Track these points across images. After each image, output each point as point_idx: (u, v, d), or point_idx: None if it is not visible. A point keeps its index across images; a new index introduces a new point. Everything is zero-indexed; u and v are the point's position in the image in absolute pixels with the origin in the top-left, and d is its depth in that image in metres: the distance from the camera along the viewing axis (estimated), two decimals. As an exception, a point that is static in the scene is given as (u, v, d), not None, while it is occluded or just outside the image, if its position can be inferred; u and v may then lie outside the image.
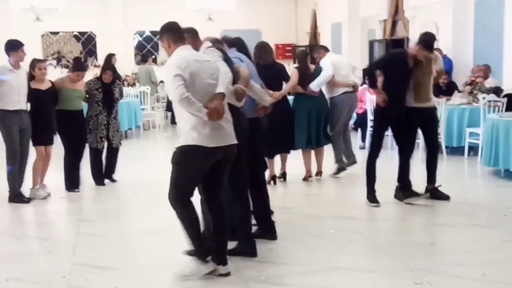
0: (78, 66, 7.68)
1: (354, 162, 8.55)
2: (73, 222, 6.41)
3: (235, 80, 4.74)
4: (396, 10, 15.38)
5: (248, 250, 4.99)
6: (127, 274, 4.78)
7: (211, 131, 4.37)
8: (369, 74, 6.83)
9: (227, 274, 4.60)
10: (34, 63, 7.21)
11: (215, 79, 4.46)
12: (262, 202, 5.47)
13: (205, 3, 17.42)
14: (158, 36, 21.58)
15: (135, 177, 8.54)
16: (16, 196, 7.05)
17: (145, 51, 21.67)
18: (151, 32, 21.75)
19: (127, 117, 12.55)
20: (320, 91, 8.14)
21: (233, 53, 5.36)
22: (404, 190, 6.82)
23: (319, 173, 8.32)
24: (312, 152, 8.20)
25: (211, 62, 4.56)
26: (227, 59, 4.81)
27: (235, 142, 4.57)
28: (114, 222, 6.51)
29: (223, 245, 4.66)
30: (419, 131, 7.08)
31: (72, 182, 7.63)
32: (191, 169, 4.45)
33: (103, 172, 8.06)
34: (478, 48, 12.09)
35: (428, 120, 6.82)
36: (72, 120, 7.47)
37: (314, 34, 20.76)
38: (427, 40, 6.56)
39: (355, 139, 10.99)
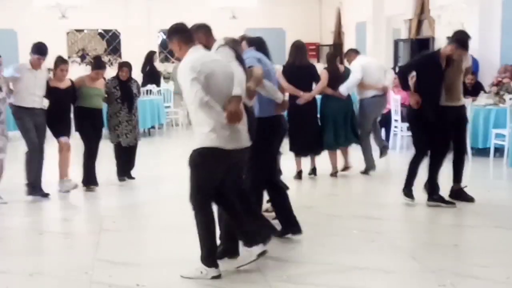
0: (98, 64, 7.76)
1: (387, 148, 8.64)
2: (96, 218, 6.46)
3: (246, 80, 4.70)
4: (422, 9, 15.24)
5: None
6: (149, 270, 4.79)
7: (229, 133, 4.37)
8: (402, 76, 6.71)
9: (264, 252, 4.62)
10: (58, 63, 7.30)
11: (229, 80, 4.43)
12: (281, 200, 5.46)
13: (229, 1, 17.46)
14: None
15: (156, 173, 8.58)
16: (34, 189, 7.08)
17: (169, 49, 21.77)
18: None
19: (150, 115, 12.61)
20: (349, 94, 8.20)
21: (250, 52, 5.36)
22: (431, 192, 6.71)
23: (346, 168, 8.32)
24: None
25: (225, 63, 4.53)
26: (239, 58, 4.77)
27: (249, 144, 4.58)
28: (136, 218, 6.54)
29: (247, 229, 4.65)
30: None
31: (89, 178, 7.63)
32: (210, 171, 4.44)
33: (121, 172, 8.04)
34: (505, 48, 11.93)
35: (460, 119, 6.76)
36: (91, 118, 7.54)
37: (339, 33, 20.66)
38: (463, 40, 6.48)
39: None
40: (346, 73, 8.21)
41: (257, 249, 4.60)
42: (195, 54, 4.43)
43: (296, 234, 5.41)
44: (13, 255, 5.25)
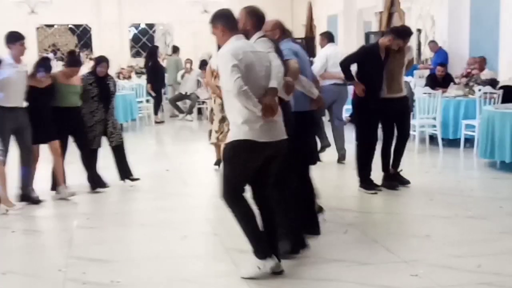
0: (73, 61, 7.24)
1: (343, 159, 8.64)
2: (69, 216, 6.41)
3: (285, 73, 4.56)
4: (392, 2, 15.37)
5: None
6: (123, 266, 4.78)
7: (263, 125, 4.22)
8: (344, 68, 6.95)
9: (280, 272, 4.44)
10: (38, 66, 6.79)
11: (268, 72, 4.33)
12: (308, 197, 5.33)
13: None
14: (153, 29, 21.61)
15: (133, 170, 8.53)
16: (24, 195, 6.76)
17: (141, 44, 21.65)
18: (146, 24, 21.72)
19: (122, 111, 12.51)
20: None
21: (287, 43, 5.22)
22: (390, 180, 6.98)
23: None
24: None
25: (265, 54, 4.41)
26: (277, 51, 4.67)
27: (286, 137, 4.43)
28: (110, 215, 6.51)
29: (273, 241, 4.47)
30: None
31: (92, 181, 7.27)
32: (243, 164, 4.29)
33: (121, 174, 7.57)
34: (474, 40, 12.10)
35: (402, 110, 7.00)
36: (70, 118, 7.03)
37: (310, 26, 20.73)
38: (398, 30, 6.89)
39: (352, 131, 10.99)
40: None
41: (272, 263, 4.40)
42: (238, 42, 4.32)
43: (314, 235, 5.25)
44: (-14, 254, 5.19)
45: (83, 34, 20.90)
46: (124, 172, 7.55)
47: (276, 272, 4.41)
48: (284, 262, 4.57)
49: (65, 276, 4.55)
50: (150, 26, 21.77)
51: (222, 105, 7.90)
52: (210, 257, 5.11)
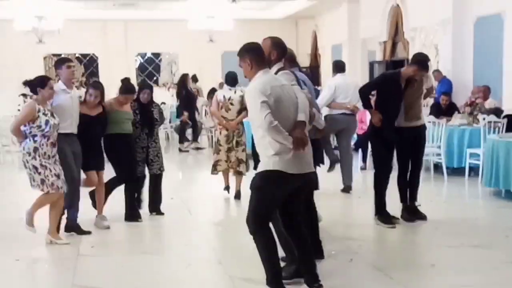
0: (128, 88, 7.09)
1: (350, 189, 8.57)
2: (73, 243, 6.39)
3: None
4: (396, 32, 15.46)
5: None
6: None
7: (293, 157, 4.34)
8: (363, 95, 6.86)
9: None
10: (88, 88, 6.83)
11: (295, 105, 4.45)
12: (313, 222, 5.43)
13: (206, 25, 17.55)
14: (159, 58, 21.78)
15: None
16: (74, 227, 6.63)
17: (147, 73, 21.81)
18: (152, 53, 21.90)
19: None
20: None
21: (297, 74, 5.28)
22: (408, 212, 6.82)
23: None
24: None
25: (290, 87, 4.54)
26: (299, 83, 4.83)
27: (313, 170, 4.59)
28: (115, 243, 6.49)
29: (311, 267, 4.62)
30: None
31: (131, 212, 7.16)
32: (271, 194, 4.43)
33: (150, 204, 7.47)
34: (478, 69, 12.13)
35: (418, 139, 6.88)
36: (124, 144, 6.94)
37: (315, 55, 20.87)
38: (423, 61, 6.70)
39: (356, 160, 11.01)
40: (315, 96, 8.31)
41: None
42: (266, 77, 4.44)
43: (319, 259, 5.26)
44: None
45: (90, 63, 21.09)
46: (155, 204, 7.47)
47: None
48: (288, 291, 4.58)
49: (69, 304, 4.54)
50: (156, 55, 21.95)
51: (227, 136, 8.01)
52: (215, 285, 5.09)
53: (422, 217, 6.87)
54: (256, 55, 4.49)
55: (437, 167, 9.74)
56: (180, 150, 14.38)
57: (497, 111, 9.99)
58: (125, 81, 7.20)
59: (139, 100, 7.26)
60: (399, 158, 6.89)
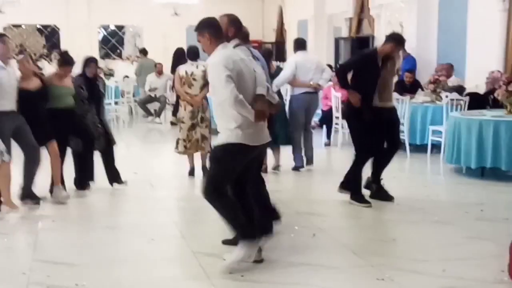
0: (67, 60, 6.97)
1: (311, 162, 8.59)
2: (34, 218, 6.31)
3: None
4: (362, 8, 15.49)
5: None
6: (88, 269, 4.72)
7: (254, 130, 4.49)
8: (341, 75, 6.73)
9: (261, 260, 4.70)
10: (17, 60, 6.66)
11: (253, 79, 4.56)
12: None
13: (171, -3, 17.34)
14: (123, 31, 21.46)
15: (97, 172, 8.41)
16: (27, 195, 6.58)
17: (110, 45, 21.48)
18: (116, 26, 21.57)
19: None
20: (279, 92, 8.22)
21: (251, 50, 5.32)
22: (376, 190, 6.83)
23: (277, 167, 8.36)
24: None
25: (249, 61, 4.66)
26: (254, 58, 4.95)
27: (269, 139, 4.73)
28: (76, 217, 6.43)
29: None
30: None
31: (80, 183, 7.24)
32: (232, 165, 4.54)
33: (109, 177, 7.45)
34: (442, 47, 12.25)
35: (393, 119, 6.82)
36: (66, 119, 6.85)
37: (281, 31, 20.80)
38: (399, 38, 6.65)
39: (320, 136, 11.06)
40: (277, 72, 8.30)
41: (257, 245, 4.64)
42: (226, 51, 4.52)
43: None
44: None
45: (51, 35, 20.65)
46: (113, 175, 7.45)
47: (257, 261, 4.66)
48: (253, 265, 4.61)
49: (28, 279, 4.47)
50: (120, 27, 21.62)
51: (192, 112, 7.92)
52: (178, 260, 5.07)
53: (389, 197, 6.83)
54: (215, 30, 4.59)
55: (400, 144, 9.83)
56: (172, 123, 14.01)
57: (460, 89, 10.11)
58: (64, 54, 7.19)
59: (85, 75, 7.20)
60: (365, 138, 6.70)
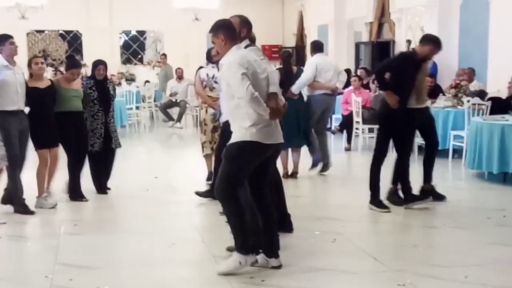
0: (73, 63, 7.22)
1: (327, 168, 8.56)
2: (57, 222, 6.38)
3: None
4: (382, 13, 15.45)
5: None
6: (110, 273, 4.76)
7: (268, 128, 4.54)
8: (379, 76, 6.66)
9: (279, 266, 4.69)
10: (31, 60, 6.82)
11: (267, 78, 4.65)
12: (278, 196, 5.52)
13: (192, 3, 17.42)
14: (144, 36, 21.61)
15: (120, 177, 8.47)
16: (20, 206, 6.56)
17: (131, 50, 21.62)
18: (137, 31, 21.71)
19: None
20: (300, 93, 8.26)
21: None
22: (404, 194, 6.75)
23: (294, 173, 8.36)
24: (289, 151, 8.27)
25: (262, 62, 4.75)
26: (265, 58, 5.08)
27: (283, 140, 4.76)
28: (98, 221, 6.48)
29: (273, 238, 4.76)
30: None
31: (74, 191, 7.14)
32: (246, 164, 4.58)
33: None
34: (463, 52, 12.18)
35: (429, 120, 6.88)
36: (72, 123, 6.95)
37: (301, 35, 20.80)
38: (437, 40, 6.59)
39: (341, 141, 11.04)
40: (298, 74, 8.31)
41: (253, 259, 4.65)
42: (240, 51, 4.62)
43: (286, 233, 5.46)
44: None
45: (73, 40, 20.85)
46: (104, 180, 7.53)
47: (275, 267, 4.67)
48: (274, 270, 4.65)
49: (51, 282, 4.52)
50: (141, 33, 21.76)
51: (214, 114, 7.93)
52: (198, 264, 5.09)
53: (442, 197, 6.86)
54: (229, 31, 4.66)
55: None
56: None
57: (481, 94, 10.03)
58: (71, 58, 7.32)
59: (94, 77, 7.33)
60: (405, 141, 6.68)
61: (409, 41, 14.00)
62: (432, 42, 6.53)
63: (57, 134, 6.84)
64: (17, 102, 6.45)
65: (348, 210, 6.74)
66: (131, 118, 14.32)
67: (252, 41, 5.59)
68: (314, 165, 8.52)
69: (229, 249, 4.95)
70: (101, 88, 7.34)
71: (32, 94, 6.61)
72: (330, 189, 8.07)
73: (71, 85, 7.01)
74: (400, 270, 4.71)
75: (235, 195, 4.57)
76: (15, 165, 6.42)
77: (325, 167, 8.57)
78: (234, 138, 4.57)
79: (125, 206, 7.14)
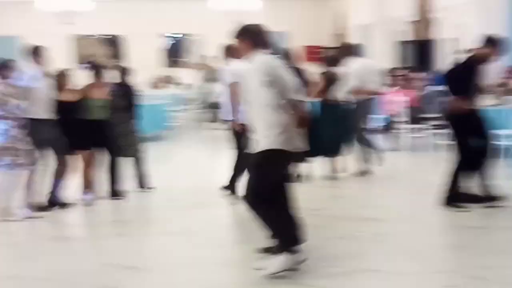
0: (98, 71, 7.43)
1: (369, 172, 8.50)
2: (101, 223, 6.49)
3: None
4: (424, 12, 15.26)
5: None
6: (155, 274, 4.82)
7: (293, 136, 4.55)
8: (451, 80, 6.58)
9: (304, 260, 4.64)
10: (61, 72, 7.07)
11: (291, 85, 4.59)
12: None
13: (233, 5, 17.56)
14: (188, 39, 21.78)
15: (164, 179, 8.57)
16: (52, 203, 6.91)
17: (174, 54, 21.82)
18: (180, 35, 21.91)
19: (155, 120, 12.68)
20: (345, 99, 8.27)
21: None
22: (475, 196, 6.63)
23: (360, 173, 8.41)
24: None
25: (286, 69, 4.69)
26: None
27: (305, 147, 4.77)
28: (142, 223, 6.57)
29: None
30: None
31: (113, 191, 7.40)
32: (275, 171, 4.58)
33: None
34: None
35: (486, 120, 6.74)
36: (96, 130, 7.17)
37: (343, 35, 20.69)
38: (499, 41, 6.54)
39: (385, 141, 10.94)
40: (342, 79, 8.30)
41: (301, 257, 4.63)
42: (266, 57, 4.59)
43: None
44: (23, 260, 5.29)
45: (118, 45, 21.16)
46: (141, 182, 7.74)
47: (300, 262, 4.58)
48: (318, 271, 4.63)
49: (98, 283, 4.60)
50: (184, 36, 21.95)
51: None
52: (237, 265, 5.13)
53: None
54: (256, 37, 4.62)
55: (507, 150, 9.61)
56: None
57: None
58: (94, 65, 7.61)
59: (121, 84, 7.57)
60: (471, 142, 6.56)
61: (453, 40, 13.80)
62: (493, 44, 6.47)
63: (81, 140, 7.04)
64: (47, 112, 6.74)
65: (390, 210, 6.69)
66: (175, 121, 14.46)
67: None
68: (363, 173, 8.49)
69: (265, 251, 4.92)
70: (126, 94, 7.57)
71: (61, 106, 6.87)
72: (373, 190, 8.01)
73: (97, 94, 7.19)
74: (446, 271, 4.66)
75: (266, 200, 4.53)
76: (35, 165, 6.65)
77: (369, 171, 8.52)
78: (260, 147, 4.54)
79: (169, 207, 7.21)
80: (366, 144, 8.51)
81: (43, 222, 6.57)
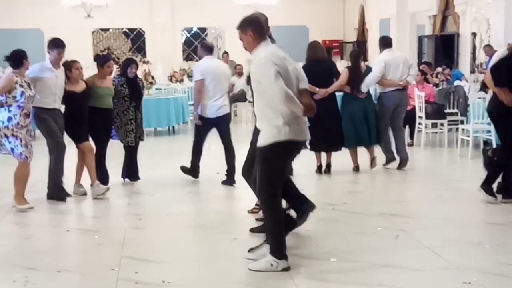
0: (104, 58, 7.67)
1: (405, 164, 8.47)
2: (121, 216, 6.53)
3: None
4: (446, 5, 15.15)
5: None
6: (174, 266, 4.85)
7: (300, 125, 4.53)
8: (498, 73, 6.46)
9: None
10: (70, 64, 7.16)
11: (295, 76, 4.59)
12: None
13: (252, -1, 17.56)
14: (205, 33, 21.79)
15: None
16: (58, 189, 7.07)
17: (193, 47, 21.88)
18: (198, 28, 21.96)
19: (175, 113, 12.72)
20: (368, 92, 8.23)
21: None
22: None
23: (374, 163, 8.38)
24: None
25: (290, 59, 4.67)
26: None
27: (310, 136, 4.77)
28: (161, 216, 6.59)
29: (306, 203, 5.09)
30: None
31: (105, 178, 7.50)
32: (283, 163, 4.63)
33: (127, 172, 7.99)
34: (531, 44, 11.79)
35: None
36: (102, 118, 7.37)
37: (362, 30, 20.61)
38: None
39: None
40: (367, 72, 8.27)
41: (285, 265, 4.63)
42: (271, 48, 4.57)
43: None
44: (41, 252, 5.33)
45: (137, 38, 21.27)
46: (133, 171, 7.97)
47: (286, 268, 4.59)
48: (336, 266, 4.66)
49: (118, 275, 4.63)
50: (202, 30, 22.00)
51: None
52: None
53: None
54: (258, 28, 4.58)
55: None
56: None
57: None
58: (98, 56, 7.57)
59: (126, 75, 7.68)
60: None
61: (474, 34, 13.70)
62: None
63: (89, 129, 7.28)
64: (54, 102, 6.94)
65: (411, 206, 6.67)
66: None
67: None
68: (388, 162, 8.48)
69: (252, 231, 5.21)
70: (132, 86, 7.70)
71: (69, 98, 7.07)
72: (392, 185, 7.97)
73: (104, 83, 7.41)
74: (465, 268, 4.62)
75: (276, 196, 4.56)
76: (61, 149, 6.93)
77: (403, 163, 8.47)
78: (267, 138, 4.48)
79: (188, 200, 7.25)
80: (388, 135, 8.50)
81: (55, 213, 6.65)
